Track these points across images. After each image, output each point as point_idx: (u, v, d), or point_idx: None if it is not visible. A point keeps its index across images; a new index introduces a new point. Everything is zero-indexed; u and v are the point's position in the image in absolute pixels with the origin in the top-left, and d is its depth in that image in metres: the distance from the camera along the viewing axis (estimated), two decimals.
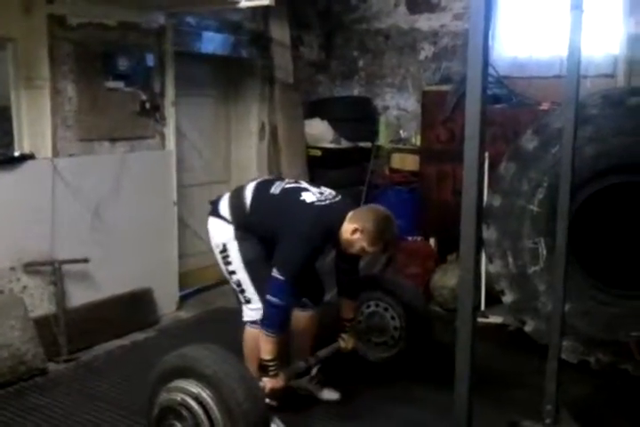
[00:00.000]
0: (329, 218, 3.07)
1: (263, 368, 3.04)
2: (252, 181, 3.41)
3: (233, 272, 3.24)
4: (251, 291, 3.22)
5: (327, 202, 3.12)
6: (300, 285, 3.11)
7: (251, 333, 3.24)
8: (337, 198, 3.19)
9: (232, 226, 3.23)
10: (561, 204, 2.87)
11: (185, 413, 2.54)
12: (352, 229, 3.03)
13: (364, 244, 3.04)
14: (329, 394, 3.52)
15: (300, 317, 3.45)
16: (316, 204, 3.08)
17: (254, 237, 3.21)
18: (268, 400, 3.06)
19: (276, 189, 3.22)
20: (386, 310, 3.75)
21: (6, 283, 3.85)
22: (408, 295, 3.77)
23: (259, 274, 3.17)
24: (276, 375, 3.03)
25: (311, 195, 3.13)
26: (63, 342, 3.96)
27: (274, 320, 3.01)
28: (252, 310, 3.22)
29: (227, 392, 2.50)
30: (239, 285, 3.24)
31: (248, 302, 3.24)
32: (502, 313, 4.59)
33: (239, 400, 2.48)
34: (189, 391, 2.56)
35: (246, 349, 3.28)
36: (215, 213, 3.31)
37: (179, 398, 2.57)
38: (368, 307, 3.79)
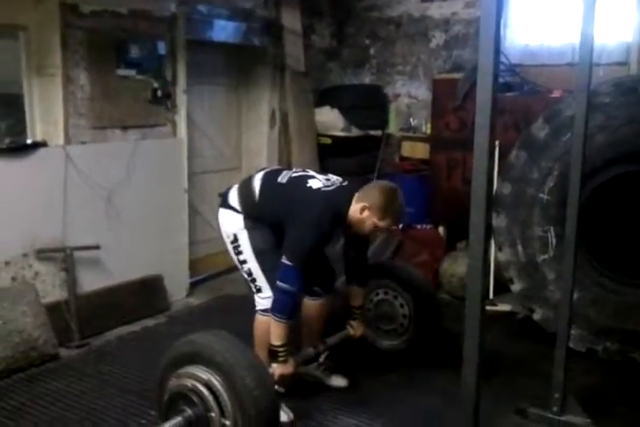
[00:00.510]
0: (336, 202, 3.09)
1: (272, 354, 3.06)
2: (260, 171, 3.43)
3: (244, 262, 3.27)
4: (261, 280, 3.25)
5: (333, 187, 3.15)
6: (310, 272, 3.14)
7: (261, 321, 3.28)
8: (344, 184, 3.22)
9: (242, 215, 3.25)
10: (571, 192, 2.87)
11: (195, 398, 2.57)
12: (360, 207, 3.07)
13: (375, 219, 3.08)
14: (337, 381, 3.55)
15: (311, 305, 3.48)
16: (323, 189, 3.11)
17: (264, 226, 3.24)
18: (276, 387, 3.09)
19: (283, 178, 3.24)
20: (395, 297, 3.76)
21: (19, 269, 3.89)
22: (417, 283, 3.78)
23: (269, 264, 3.20)
24: (285, 361, 3.06)
25: (317, 181, 3.15)
26: (75, 328, 4.00)
27: (284, 306, 3.03)
28: (263, 299, 3.25)
29: (237, 379, 2.52)
30: (250, 274, 3.27)
31: (259, 290, 3.27)
32: (511, 301, 4.60)
33: (249, 387, 2.50)
34: (199, 377, 2.58)
35: (257, 336, 3.31)
36: (225, 204, 3.33)
37: (189, 384, 2.59)
38: (377, 295, 3.80)
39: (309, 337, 3.52)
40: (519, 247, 4.16)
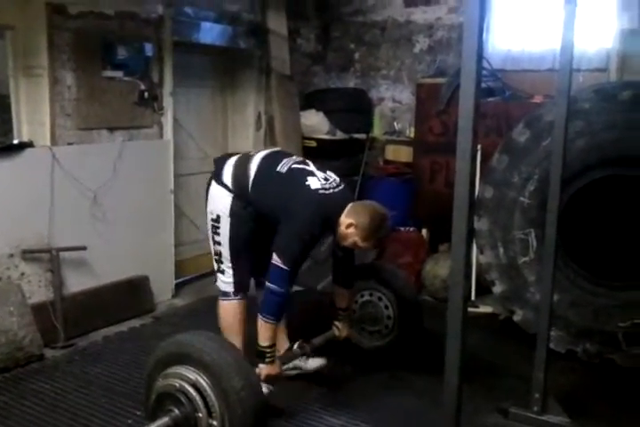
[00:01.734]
0: (330, 207, 3.12)
1: (260, 355, 3.09)
2: (260, 151, 3.41)
3: (218, 243, 3.33)
4: (227, 265, 3.33)
5: (330, 191, 3.15)
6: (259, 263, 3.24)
7: (224, 307, 3.40)
8: (340, 187, 3.22)
9: (232, 195, 3.26)
10: (551, 196, 2.93)
11: (182, 398, 2.59)
12: (347, 223, 3.09)
13: (357, 238, 3.11)
14: (314, 362, 3.52)
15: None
16: (320, 191, 3.11)
17: (250, 212, 3.25)
18: (263, 387, 3.12)
19: (282, 167, 3.22)
20: (380, 299, 3.80)
21: (4, 270, 3.89)
22: (400, 284, 3.83)
23: (239, 254, 3.30)
24: (272, 362, 3.09)
25: (316, 180, 3.14)
26: (60, 329, 4.01)
27: (273, 307, 3.06)
28: (224, 283, 3.35)
29: (224, 379, 2.55)
30: (219, 255, 3.35)
31: (222, 272, 3.36)
32: (492, 303, 4.66)
33: (236, 387, 2.53)
34: (187, 378, 2.60)
35: (224, 322, 3.39)
36: (218, 178, 3.31)
37: (176, 385, 2.61)
38: (362, 296, 3.84)
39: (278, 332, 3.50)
40: (500, 250, 4.22)
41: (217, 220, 3.30)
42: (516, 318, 4.16)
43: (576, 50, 2.85)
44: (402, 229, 5.58)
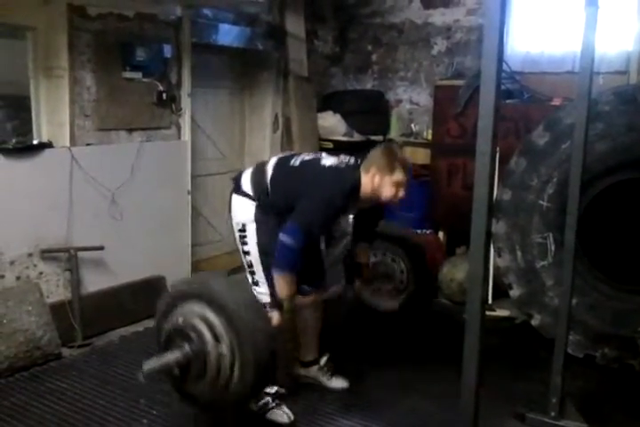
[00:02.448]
0: (348, 176, 3.16)
1: (279, 305, 3.14)
2: (274, 156, 3.48)
3: (247, 253, 3.29)
4: (260, 275, 3.28)
5: (344, 165, 3.22)
6: (302, 271, 3.19)
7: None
8: (355, 162, 3.28)
9: (254, 203, 3.26)
10: (570, 199, 2.90)
11: (193, 334, 2.56)
12: (371, 176, 3.16)
13: (388, 178, 3.16)
14: (337, 382, 3.57)
15: (304, 302, 3.45)
16: (335, 166, 3.19)
17: (274, 217, 3.23)
18: (277, 389, 3.16)
19: (295, 161, 3.30)
20: (393, 260, 3.84)
21: (23, 269, 3.93)
22: (408, 240, 3.93)
23: (269, 261, 3.22)
24: (289, 311, 3.14)
25: (330, 160, 3.24)
26: (78, 328, 4.03)
27: (286, 260, 3.09)
28: (259, 294, 3.27)
29: (235, 315, 2.51)
30: (250, 266, 3.30)
31: (256, 284, 3.30)
32: (509, 307, 4.63)
33: (246, 321, 2.50)
34: (199, 314, 2.57)
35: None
36: (238, 189, 3.34)
37: (187, 321, 2.58)
38: (376, 256, 3.87)
39: (306, 337, 3.54)
40: (518, 253, 4.19)
41: (243, 229, 3.28)
42: (534, 322, 4.13)
43: (596, 52, 2.83)
44: (418, 231, 5.56)
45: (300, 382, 3.51)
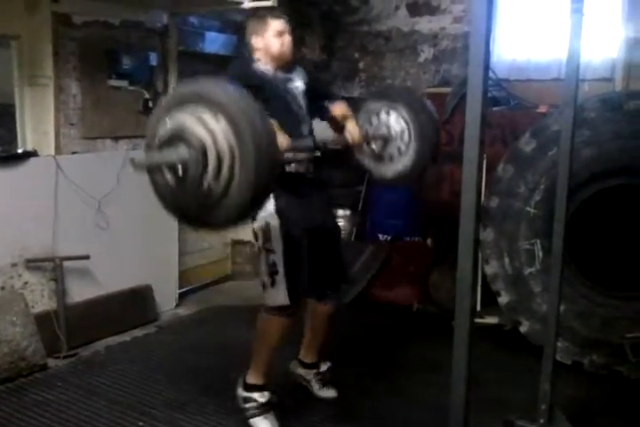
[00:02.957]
0: (244, 62, 3.22)
1: None
2: None
3: (271, 250, 3.07)
4: (281, 275, 3.06)
5: None
6: (320, 273, 3.14)
7: (270, 321, 3.13)
8: None
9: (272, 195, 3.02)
10: (558, 206, 2.91)
11: (190, 137, 2.30)
12: (255, 44, 3.19)
13: (267, 34, 3.15)
14: (325, 392, 3.54)
15: (319, 310, 3.38)
16: None
17: (296, 205, 3.10)
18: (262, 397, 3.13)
19: None
20: (388, 113, 3.48)
21: (7, 279, 3.88)
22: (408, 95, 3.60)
23: (293, 262, 3.07)
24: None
25: None
26: (63, 338, 3.99)
27: None
28: (277, 297, 3.07)
29: (237, 119, 2.26)
30: (273, 265, 3.06)
31: (273, 284, 3.07)
32: (498, 314, 4.63)
33: (246, 125, 2.24)
34: (197, 116, 2.32)
35: (265, 335, 3.16)
36: None
37: (184, 124, 2.33)
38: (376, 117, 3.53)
39: (312, 345, 3.51)
40: (506, 260, 4.20)
41: (267, 226, 3.06)
42: (523, 329, 4.13)
43: (582, 59, 2.84)
44: (407, 238, 5.56)
45: (291, 382, 3.50)
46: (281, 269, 3.06)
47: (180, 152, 2.29)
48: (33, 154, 3.99)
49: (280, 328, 3.12)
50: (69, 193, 4.13)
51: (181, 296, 5.13)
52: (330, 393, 3.54)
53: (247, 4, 4.27)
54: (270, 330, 3.13)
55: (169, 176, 2.35)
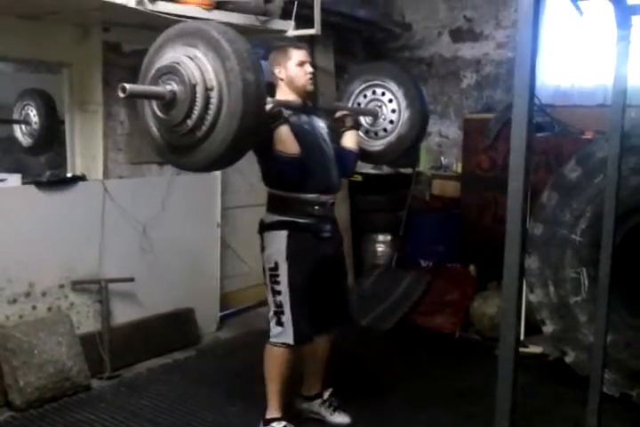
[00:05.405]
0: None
1: None
2: None
3: (278, 292, 3.17)
4: (288, 317, 3.16)
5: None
6: (324, 309, 3.20)
7: (273, 354, 3.21)
8: None
9: (286, 231, 3.15)
10: (605, 234, 2.86)
11: (182, 73, 2.41)
12: (277, 74, 3.23)
13: (290, 63, 3.21)
14: (339, 418, 3.48)
15: (320, 344, 3.41)
16: None
17: (307, 252, 3.17)
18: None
19: None
20: (383, 94, 3.61)
21: (54, 300, 3.96)
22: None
23: (299, 304, 3.16)
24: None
25: None
26: (107, 359, 4.04)
27: None
28: (281, 333, 3.17)
29: (227, 59, 2.36)
30: (280, 306, 3.17)
31: (280, 324, 3.17)
32: (542, 343, 4.54)
33: (234, 65, 2.35)
34: (188, 53, 2.44)
35: (273, 368, 3.22)
36: (263, 226, 3.25)
37: (178, 60, 2.46)
38: (365, 97, 3.69)
39: (312, 368, 3.50)
40: (551, 288, 4.13)
41: (276, 267, 3.16)
42: (568, 359, 4.05)
43: (628, 85, 2.82)
44: (449, 265, 5.52)
45: (302, 417, 3.46)
46: (287, 310, 3.15)
47: (170, 87, 2.42)
48: (81, 178, 4.08)
49: (286, 360, 3.20)
50: (116, 217, 4.21)
51: (223, 319, 5.16)
52: (343, 419, 3.48)
53: (291, 33, 4.33)
54: (277, 361, 3.20)
55: (157, 108, 2.50)
